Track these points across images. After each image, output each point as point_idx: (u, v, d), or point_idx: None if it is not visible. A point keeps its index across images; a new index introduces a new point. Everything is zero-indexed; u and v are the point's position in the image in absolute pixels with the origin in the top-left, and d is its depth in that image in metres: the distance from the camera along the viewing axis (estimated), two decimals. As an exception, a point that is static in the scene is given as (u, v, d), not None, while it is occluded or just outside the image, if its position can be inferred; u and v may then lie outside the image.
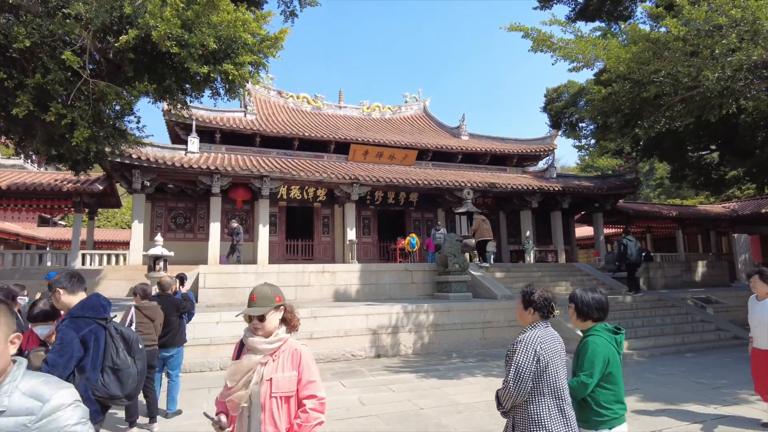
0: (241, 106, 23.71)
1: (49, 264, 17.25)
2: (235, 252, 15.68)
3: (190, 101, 10.74)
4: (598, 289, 3.18)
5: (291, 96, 27.14)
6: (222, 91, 10.29)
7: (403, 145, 22.78)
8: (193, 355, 9.10)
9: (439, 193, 21.56)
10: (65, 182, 17.03)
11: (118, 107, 10.60)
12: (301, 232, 21.49)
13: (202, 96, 10.70)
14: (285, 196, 21.09)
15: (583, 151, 20.66)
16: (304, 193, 21.22)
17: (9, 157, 31.52)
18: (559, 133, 25.31)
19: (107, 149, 13.53)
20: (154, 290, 9.20)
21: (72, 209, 17.98)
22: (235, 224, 16.11)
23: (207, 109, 21.10)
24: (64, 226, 32.59)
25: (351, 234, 19.79)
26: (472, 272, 13.74)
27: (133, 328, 5.87)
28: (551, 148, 25.35)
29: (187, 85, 10.58)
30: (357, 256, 19.53)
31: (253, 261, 18.83)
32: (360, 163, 22.14)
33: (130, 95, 9.04)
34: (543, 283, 15.25)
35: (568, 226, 24.86)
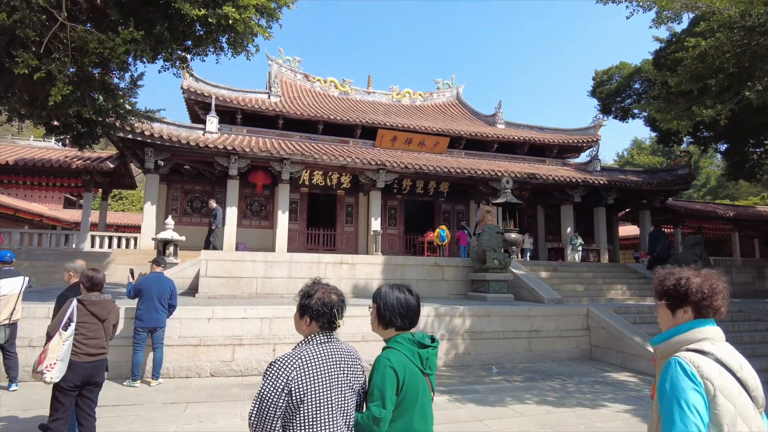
0: (266, 88, 22.16)
1: (62, 245, 15.93)
2: (212, 237, 13.82)
3: (191, 58, 8.99)
4: (405, 288, 2.29)
5: (318, 80, 25.37)
6: (226, 45, 8.53)
7: (435, 132, 20.72)
8: (179, 357, 7.36)
9: (472, 184, 19.45)
10: (75, 159, 15.64)
11: (115, 68, 8.94)
12: (323, 221, 19.71)
13: (205, 53, 8.96)
14: (307, 182, 19.34)
15: (651, 132, 18.10)
16: (328, 179, 19.41)
17: (54, 141, 30.71)
18: (605, 121, 22.78)
19: (116, 122, 12.09)
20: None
21: (82, 188, 16.61)
22: (214, 204, 14.32)
23: (229, 88, 19.61)
24: (93, 209, 31.73)
25: (375, 224, 17.91)
26: (514, 270, 11.64)
27: (71, 330, 4.09)
28: (595, 139, 22.90)
29: (188, 42, 8.89)
30: (381, 248, 17.67)
31: (272, 249, 17.17)
32: (387, 150, 20.21)
33: (114, 43, 7.32)
34: (595, 285, 13.03)
35: (610, 224, 22.39)
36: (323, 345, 2.05)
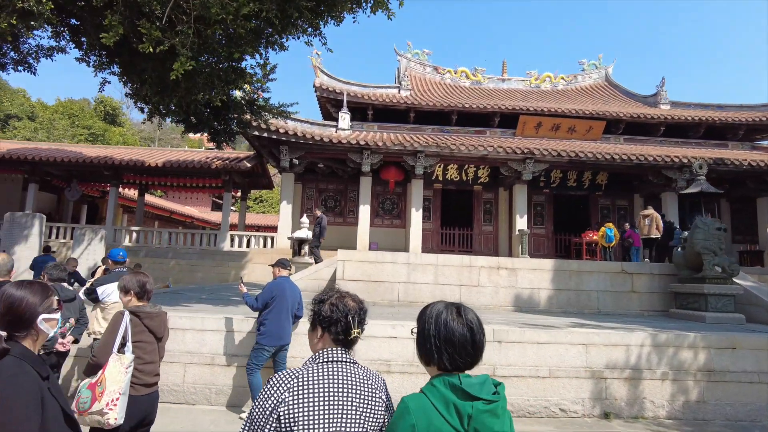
0: (395, 83, 20.82)
1: (204, 245, 15.87)
2: (315, 248, 12.66)
3: (322, 24, 7.41)
4: (454, 309, 1.51)
5: (448, 71, 23.33)
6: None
7: (587, 115, 17.46)
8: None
9: (638, 173, 15.93)
10: (215, 160, 15.46)
11: (241, 42, 7.74)
12: (458, 220, 17.59)
13: (340, 18, 7.42)
14: (441, 178, 17.37)
15: None
16: (463, 173, 17.25)
17: (204, 149, 32.98)
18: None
19: (251, 120, 11.36)
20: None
21: (222, 188, 16.46)
22: (319, 213, 12.99)
23: (360, 84, 18.51)
24: (234, 211, 33.32)
25: (521, 223, 15.30)
26: (739, 281, 8.36)
27: (128, 349, 2.91)
28: (799, 115, 17.75)
29: (322, 7, 7.41)
30: (527, 250, 15.04)
31: (404, 249, 15.52)
32: (530, 139, 17.46)
33: (238, 3, 5.99)
34: None
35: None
36: (331, 364, 1.56)
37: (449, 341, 1.46)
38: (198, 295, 8.64)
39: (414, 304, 8.62)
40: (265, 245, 16.24)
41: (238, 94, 10.19)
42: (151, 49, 6.26)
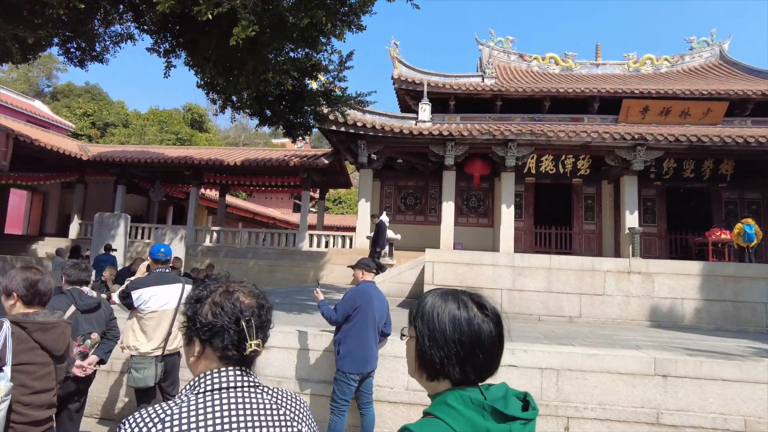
0: (477, 72, 19.16)
1: (282, 245, 15.21)
2: (379, 253, 11.44)
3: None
4: (467, 299, 1.02)
5: (535, 58, 21.18)
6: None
7: (704, 96, 14.75)
8: (403, 421, 4.38)
9: (779, 160, 13.10)
10: (293, 158, 14.76)
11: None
12: (554, 218, 15.58)
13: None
14: (533, 171, 15.47)
15: None
16: (560, 165, 15.23)
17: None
18: None
19: (328, 113, 10.44)
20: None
21: (300, 187, 15.73)
22: (379, 217, 11.56)
23: (440, 74, 17.11)
24: (313, 211, 33.25)
25: (631, 220, 13.08)
26: None
27: (4, 376, 1.96)
28: None
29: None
30: (639, 251, 12.80)
31: (493, 250, 13.85)
32: (636, 125, 15.06)
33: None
34: None
35: None
36: (218, 394, 1.02)
37: (478, 344, 0.98)
38: (271, 298, 7.66)
39: (521, 317, 7.03)
40: (343, 245, 15.31)
41: (313, 85, 9.37)
42: (209, 16, 5.31)
